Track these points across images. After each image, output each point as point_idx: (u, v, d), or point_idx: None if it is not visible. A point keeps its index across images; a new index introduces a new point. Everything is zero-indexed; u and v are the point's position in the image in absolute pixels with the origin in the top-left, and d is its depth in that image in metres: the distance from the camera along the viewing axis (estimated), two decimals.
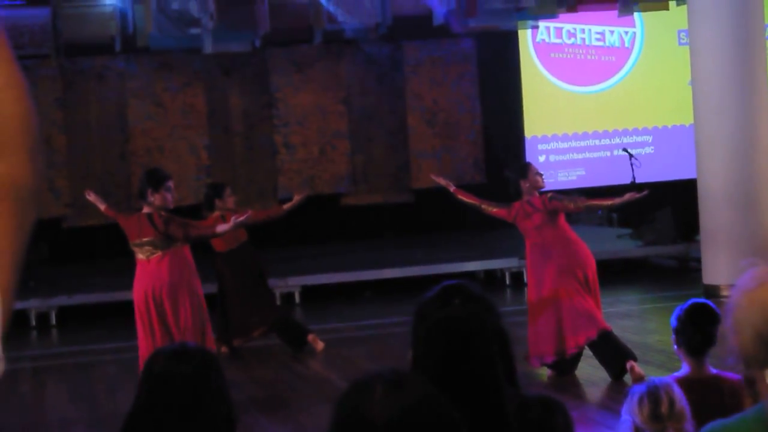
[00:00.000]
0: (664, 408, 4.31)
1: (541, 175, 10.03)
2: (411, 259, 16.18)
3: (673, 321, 5.27)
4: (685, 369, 5.21)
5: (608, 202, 10.39)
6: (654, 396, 4.32)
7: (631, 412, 4.38)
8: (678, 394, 4.35)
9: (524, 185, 9.91)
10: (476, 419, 2.67)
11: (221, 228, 9.47)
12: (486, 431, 2.63)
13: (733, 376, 5.17)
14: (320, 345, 11.74)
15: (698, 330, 5.18)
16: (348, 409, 2.15)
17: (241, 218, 9.44)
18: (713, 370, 5.19)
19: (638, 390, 4.40)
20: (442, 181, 10.62)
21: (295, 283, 15.29)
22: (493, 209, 10.28)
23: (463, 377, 2.76)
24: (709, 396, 4.97)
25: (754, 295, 2.54)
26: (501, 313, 2.90)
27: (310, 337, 11.79)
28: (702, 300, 5.38)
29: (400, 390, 2.14)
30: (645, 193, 10.21)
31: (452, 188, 10.51)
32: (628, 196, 10.08)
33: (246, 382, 10.41)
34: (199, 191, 15.11)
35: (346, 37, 17.29)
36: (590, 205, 10.15)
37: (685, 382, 4.75)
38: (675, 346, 5.25)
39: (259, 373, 10.80)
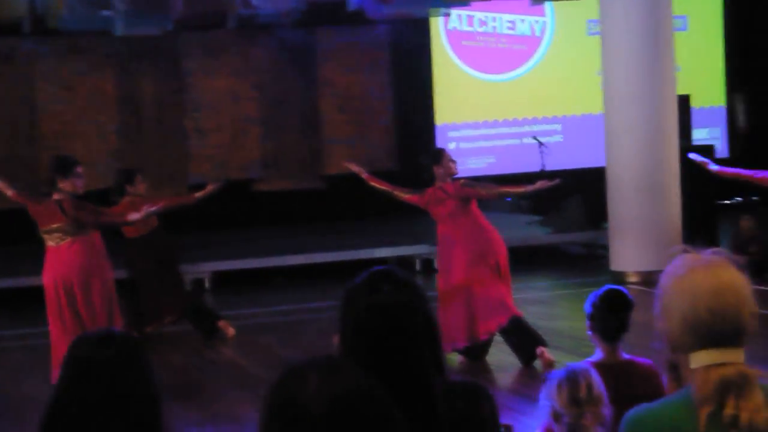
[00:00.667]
0: (582, 393, 4.36)
1: (454, 161, 10.08)
2: (322, 246, 16.16)
3: (587, 307, 5.32)
4: (598, 354, 5.27)
5: (520, 190, 10.47)
6: (572, 381, 4.38)
7: (549, 396, 4.42)
8: (596, 379, 4.41)
9: (438, 171, 9.94)
10: (404, 406, 2.67)
11: (133, 216, 9.39)
12: (414, 418, 2.64)
13: (645, 361, 5.25)
14: (231, 331, 11.69)
15: (612, 316, 5.24)
16: (282, 397, 2.14)
17: (154, 208, 9.37)
18: (626, 356, 5.26)
19: (557, 375, 4.45)
20: (354, 168, 10.62)
21: (205, 269, 15.20)
22: (405, 195, 10.30)
23: (392, 364, 2.76)
24: (621, 381, 5.03)
25: (683, 282, 2.58)
26: (428, 300, 2.90)
27: (222, 323, 11.74)
28: (616, 286, 5.44)
29: (335, 378, 2.13)
30: (557, 181, 10.29)
31: (365, 175, 10.51)
32: (539, 184, 10.16)
33: (158, 368, 10.28)
34: (108, 176, 14.92)
35: (259, 22, 17.18)
36: (502, 192, 10.22)
37: (598, 367, 4.81)
38: (589, 332, 5.31)
39: (172, 360, 10.72)
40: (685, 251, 2.66)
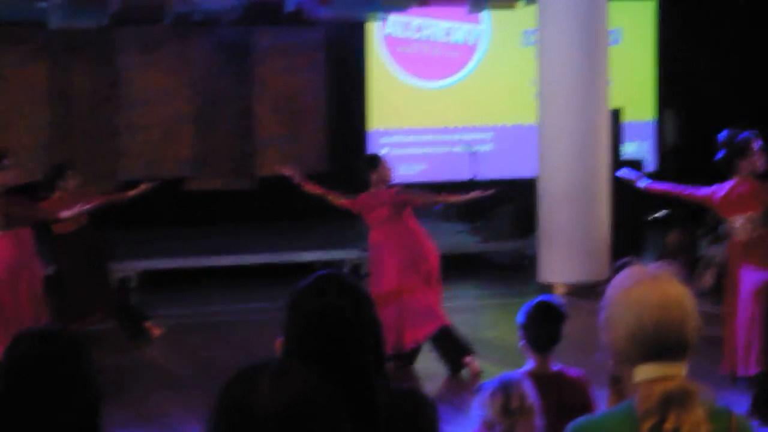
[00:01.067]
0: (515, 403, 4.39)
1: (390, 168, 10.10)
2: (252, 247, 16.11)
3: (520, 317, 5.36)
4: (530, 364, 5.31)
5: (456, 199, 10.48)
6: (505, 391, 4.40)
7: (482, 406, 4.44)
8: (529, 389, 4.44)
9: (373, 177, 9.95)
10: (348, 411, 2.68)
11: (65, 213, 9.29)
12: (358, 422, 2.65)
13: (575, 372, 5.30)
14: (158, 331, 11.61)
15: (545, 327, 5.28)
16: (233, 400, 2.13)
17: (87, 206, 9.28)
18: (557, 366, 5.31)
19: (490, 385, 4.48)
20: (287, 171, 10.59)
21: (133, 268, 15.07)
22: (338, 200, 10.29)
23: (336, 368, 2.76)
24: (552, 391, 5.08)
25: (630, 294, 2.61)
26: (374, 304, 2.91)
27: (148, 324, 11.65)
28: (549, 297, 5.49)
29: (287, 381, 2.13)
30: (491, 191, 10.33)
31: (298, 179, 10.49)
32: (474, 194, 10.20)
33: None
34: (37, 170, 14.73)
35: (196, 19, 17.08)
36: (438, 200, 10.24)
37: (530, 378, 4.84)
38: (521, 342, 5.34)
39: (98, 359, 10.58)
40: (632, 263, 2.70)
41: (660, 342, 2.57)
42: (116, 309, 11.59)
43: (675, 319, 2.58)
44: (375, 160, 10.14)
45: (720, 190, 8.12)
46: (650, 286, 2.61)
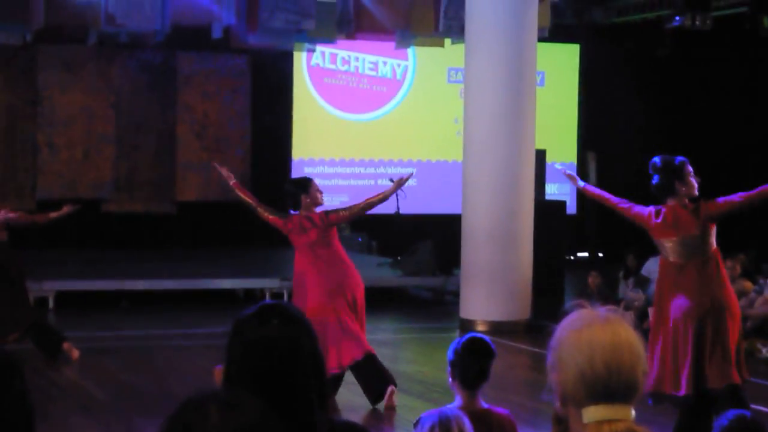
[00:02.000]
0: None
1: (321, 192, 10.02)
2: (170, 272, 15.93)
3: (449, 354, 5.32)
4: (457, 401, 5.27)
5: (380, 196, 10.22)
6: (444, 425, 4.36)
7: None
8: (467, 425, 4.41)
9: (305, 200, 9.83)
10: None
11: None
12: None
13: (502, 411, 5.27)
14: (75, 353, 11.41)
15: (474, 364, 5.24)
16: (180, 429, 2.07)
17: (11, 215, 9.10)
18: (485, 405, 5.27)
19: (429, 418, 4.43)
20: (223, 172, 10.43)
21: (50, 288, 14.83)
22: (268, 215, 10.12)
23: (278, 398, 2.72)
24: (481, 429, 5.04)
25: (580, 336, 2.58)
26: (316, 336, 2.86)
27: (66, 345, 11.45)
28: (479, 335, 5.45)
29: (236, 412, 2.07)
30: (411, 172, 10.26)
31: (232, 182, 10.34)
32: (394, 185, 10.12)
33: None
34: None
35: (121, 40, 16.95)
36: (364, 206, 10.05)
37: None
38: (449, 379, 5.30)
39: None
40: (581, 306, 2.67)
41: (610, 384, 2.55)
42: (34, 329, 11.37)
43: (625, 362, 2.56)
44: (306, 183, 10.04)
45: (655, 212, 8.18)
46: (601, 329, 2.59)
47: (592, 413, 2.55)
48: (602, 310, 2.65)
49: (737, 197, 8.00)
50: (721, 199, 8.02)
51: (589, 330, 2.58)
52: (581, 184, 9.01)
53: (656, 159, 8.27)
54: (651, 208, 8.22)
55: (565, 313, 2.69)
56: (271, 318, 2.83)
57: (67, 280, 15.13)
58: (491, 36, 13.70)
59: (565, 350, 2.59)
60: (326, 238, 9.77)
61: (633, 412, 2.57)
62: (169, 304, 15.10)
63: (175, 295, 15.34)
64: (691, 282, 8.03)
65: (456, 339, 5.35)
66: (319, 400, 2.82)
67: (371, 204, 10.05)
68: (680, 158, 8.23)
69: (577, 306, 2.69)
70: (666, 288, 8.19)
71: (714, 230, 8.07)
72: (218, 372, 2.86)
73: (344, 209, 10.05)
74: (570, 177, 9.20)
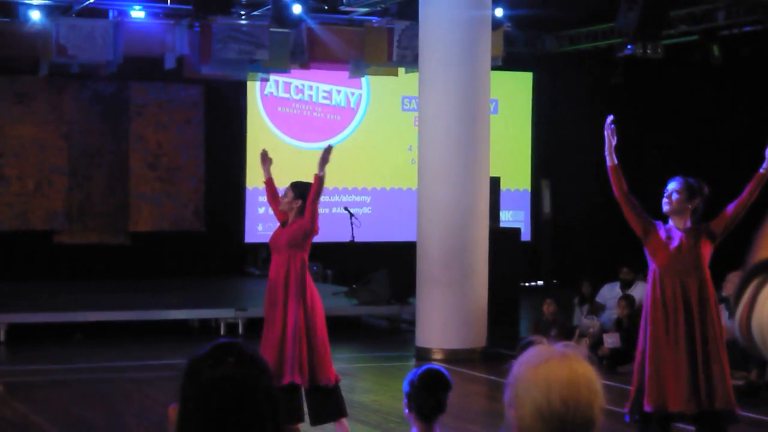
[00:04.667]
0: None
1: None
2: (124, 304, 15.81)
3: (405, 385, 5.30)
4: None
5: (317, 182, 10.05)
6: None
7: None
8: None
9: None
10: None
11: None
12: None
13: None
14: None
15: (430, 396, 5.23)
16: None
17: None
18: None
19: None
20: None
21: (1, 321, 14.66)
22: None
23: None
24: None
25: (537, 372, 2.58)
26: (272, 375, 2.83)
27: None
28: (435, 366, 5.44)
29: None
30: (330, 148, 10.11)
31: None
32: (323, 156, 9.96)
33: None
34: None
35: (72, 71, 16.88)
36: (314, 191, 9.88)
37: None
38: (406, 410, 5.28)
39: None
40: (538, 342, 2.67)
41: (567, 419, 2.54)
42: None
43: (583, 397, 2.56)
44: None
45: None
46: (558, 364, 2.59)
47: None
48: (559, 346, 2.64)
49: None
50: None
51: (546, 366, 2.58)
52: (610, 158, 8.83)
53: (684, 180, 8.40)
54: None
55: (522, 349, 2.68)
56: (226, 356, 2.80)
57: (18, 313, 14.96)
58: (444, 65, 13.75)
59: (521, 386, 2.59)
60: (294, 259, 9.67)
61: None
62: (123, 336, 14.98)
63: (130, 327, 15.23)
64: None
65: (412, 370, 5.33)
66: None
67: (318, 189, 9.86)
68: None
69: (534, 341, 2.69)
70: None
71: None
72: (173, 411, 2.81)
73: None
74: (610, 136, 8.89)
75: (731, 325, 8.13)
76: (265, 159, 10.36)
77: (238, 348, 2.83)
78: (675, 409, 8.00)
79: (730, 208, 8.14)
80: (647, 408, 8.03)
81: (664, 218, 8.27)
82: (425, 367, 5.38)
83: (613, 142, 8.59)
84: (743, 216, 8.00)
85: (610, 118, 8.51)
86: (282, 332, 9.40)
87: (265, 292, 9.58)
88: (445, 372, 5.34)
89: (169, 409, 2.85)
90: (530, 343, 2.70)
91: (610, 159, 8.49)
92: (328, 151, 9.93)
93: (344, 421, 9.39)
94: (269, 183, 10.33)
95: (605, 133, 8.61)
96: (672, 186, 8.36)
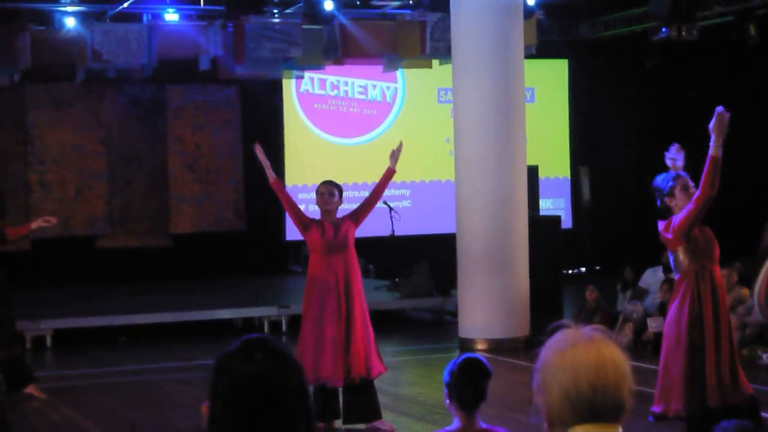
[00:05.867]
0: None
1: (320, 194, 9.99)
2: (167, 305, 15.89)
3: (445, 375, 5.28)
4: (456, 423, 5.23)
5: (376, 192, 10.26)
6: None
7: None
8: None
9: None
10: None
11: None
12: None
13: (502, 430, 5.24)
14: (41, 395, 11.34)
15: (471, 385, 5.21)
16: None
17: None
18: (483, 425, 5.24)
19: None
20: (262, 158, 10.44)
21: (47, 326, 14.77)
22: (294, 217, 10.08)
23: None
24: None
25: (565, 356, 2.57)
26: (302, 369, 2.83)
27: (31, 388, 11.34)
28: (474, 355, 5.42)
29: None
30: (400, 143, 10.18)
31: (272, 179, 10.41)
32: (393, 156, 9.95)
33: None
34: None
35: (109, 76, 16.97)
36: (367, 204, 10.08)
37: None
38: (447, 400, 5.27)
39: (14, 420, 10.33)
40: (565, 326, 2.66)
41: (596, 403, 2.53)
42: (11, 357, 11.24)
43: (611, 381, 2.54)
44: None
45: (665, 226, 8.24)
46: (586, 348, 2.57)
47: None
48: (587, 330, 2.63)
49: (690, 204, 8.03)
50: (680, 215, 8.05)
51: (573, 350, 2.56)
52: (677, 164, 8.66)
53: (655, 181, 8.33)
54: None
55: (550, 333, 2.68)
56: (255, 352, 2.79)
57: (64, 318, 15.07)
58: (477, 56, 13.73)
59: (549, 371, 2.58)
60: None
61: (620, 431, 2.56)
62: (167, 338, 15.06)
63: (174, 328, 15.30)
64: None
65: (452, 360, 5.31)
66: None
67: (372, 201, 10.05)
68: (672, 174, 8.28)
69: (562, 326, 2.68)
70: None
71: (687, 246, 8.09)
72: (205, 408, 2.82)
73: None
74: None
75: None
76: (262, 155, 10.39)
77: (266, 343, 2.83)
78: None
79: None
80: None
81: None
82: (464, 356, 5.36)
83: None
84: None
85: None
86: (346, 332, 9.45)
87: (314, 292, 9.56)
88: (485, 361, 5.32)
89: (202, 406, 2.86)
90: (558, 328, 2.69)
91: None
92: (399, 149, 10.03)
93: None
94: (279, 184, 10.34)
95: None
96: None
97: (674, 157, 8.49)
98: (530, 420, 2.76)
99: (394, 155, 10.06)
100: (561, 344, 2.59)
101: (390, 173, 10.06)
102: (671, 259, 8.30)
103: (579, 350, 2.56)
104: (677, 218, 8.09)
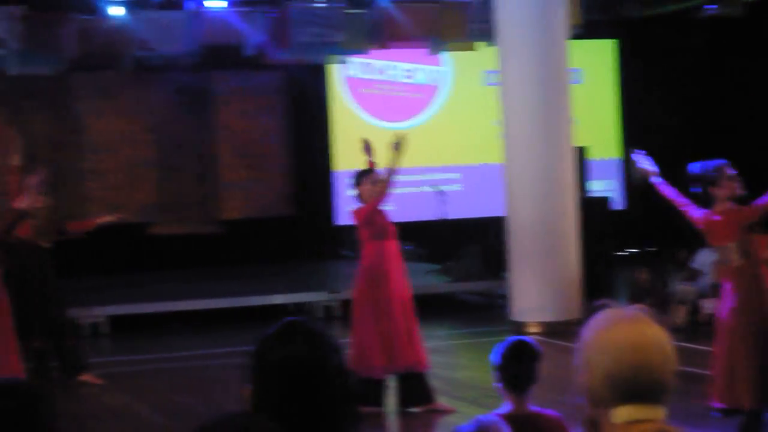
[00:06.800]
0: None
1: (373, 183, 9.68)
2: (220, 291, 15.98)
3: (495, 358, 5.24)
4: (506, 406, 5.20)
5: (392, 166, 9.81)
6: None
7: None
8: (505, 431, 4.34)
9: (363, 192, 9.72)
10: None
11: (20, 201, 8.95)
12: None
13: (553, 413, 5.20)
14: (97, 381, 11.44)
15: (520, 367, 5.17)
16: None
17: (36, 182, 9.12)
18: (534, 408, 5.20)
19: (466, 429, 4.37)
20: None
21: (102, 313, 14.92)
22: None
23: (304, 417, 2.67)
24: None
25: (607, 336, 2.54)
26: (342, 351, 2.81)
27: (85, 377, 11.44)
28: (524, 337, 5.38)
29: None
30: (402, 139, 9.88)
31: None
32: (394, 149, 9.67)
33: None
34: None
35: (154, 64, 17.03)
36: (388, 175, 9.71)
37: (507, 419, 4.73)
38: (497, 383, 5.23)
39: (65, 406, 10.42)
40: (607, 306, 2.62)
41: (637, 384, 2.50)
42: (61, 346, 11.33)
43: (653, 362, 2.51)
44: (362, 175, 9.82)
45: (707, 216, 8.08)
46: (627, 328, 2.54)
47: (620, 414, 2.51)
48: (629, 309, 2.60)
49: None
50: (755, 203, 7.94)
51: (615, 330, 2.53)
52: (656, 180, 8.59)
53: (692, 167, 8.17)
54: (706, 212, 8.09)
55: (592, 313, 2.65)
56: (295, 335, 2.78)
57: (119, 305, 15.22)
58: (521, 37, 13.67)
59: (591, 351, 2.55)
60: (378, 236, 9.56)
61: (663, 412, 2.52)
62: (219, 323, 15.12)
63: (225, 314, 15.36)
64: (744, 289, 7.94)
65: (501, 342, 5.28)
66: (348, 419, 2.77)
67: (385, 184, 9.70)
68: (716, 163, 8.13)
69: (605, 305, 2.65)
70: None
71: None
72: (246, 391, 2.82)
73: (372, 191, 9.73)
74: (644, 171, 8.66)
75: None
76: (369, 149, 10.16)
77: (306, 326, 2.81)
78: None
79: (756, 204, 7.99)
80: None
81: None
82: (513, 338, 5.32)
83: (654, 180, 8.25)
84: None
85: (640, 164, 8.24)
86: (404, 318, 9.45)
87: (373, 278, 9.48)
88: (534, 342, 5.28)
89: (243, 389, 2.85)
90: (601, 307, 2.66)
91: None
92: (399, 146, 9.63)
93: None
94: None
95: None
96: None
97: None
98: (572, 400, 2.73)
99: (395, 147, 9.64)
100: (603, 324, 2.56)
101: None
102: (715, 251, 8.14)
103: (621, 330, 2.53)
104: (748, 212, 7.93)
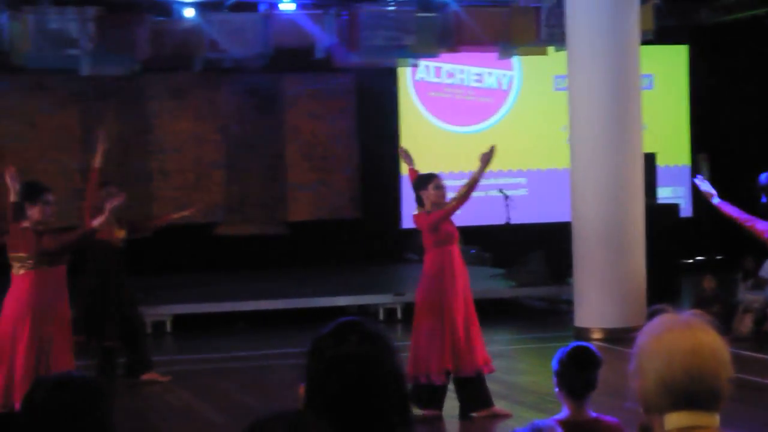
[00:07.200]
0: None
1: (440, 188, 9.59)
2: (285, 292, 16.04)
3: (554, 363, 5.23)
4: (565, 412, 5.18)
5: (475, 177, 9.74)
6: None
7: None
8: None
9: (425, 197, 9.64)
10: None
11: (96, 221, 9.05)
12: None
13: (612, 419, 5.17)
14: (163, 379, 11.55)
15: (580, 373, 5.15)
16: None
17: (116, 202, 9.23)
18: (593, 414, 5.17)
19: None
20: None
21: (167, 312, 15.04)
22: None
23: (357, 417, 2.68)
24: None
25: (661, 342, 2.52)
26: (397, 352, 2.81)
27: (147, 376, 11.55)
28: (584, 343, 5.36)
29: None
30: (492, 150, 9.83)
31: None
32: (482, 163, 9.72)
33: (114, 413, 10.11)
34: (71, 215, 14.74)
35: (225, 65, 17.16)
36: (463, 194, 9.65)
37: (565, 425, 4.72)
38: (556, 389, 5.21)
39: (129, 403, 10.53)
40: (663, 311, 2.60)
41: (691, 390, 2.48)
42: (131, 345, 11.46)
43: (707, 368, 2.48)
44: (425, 180, 9.78)
45: None
46: (681, 333, 2.52)
47: (673, 420, 2.49)
48: (685, 315, 2.58)
49: None
50: None
51: (669, 335, 2.51)
52: (716, 201, 8.56)
53: (762, 176, 8.10)
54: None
55: (648, 318, 2.63)
56: (349, 335, 2.79)
57: (183, 304, 15.33)
58: (592, 42, 13.59)
59: (645, 356, 2.54)
60: (442, 243, 9.52)
61: (717, 419, 2.50)
62: (284, 324, 15.18)
63: (290, 315, 15.42)
64: None
65: (561, 348, 5.26)
66: (401, 419, 2.77)
67: (470, 188, 9.68)
68: None
69: (660, 311, 2.63)
70: None
71: None
72: (301, 389, 2.84)
73: (446, 203, 9.69)
74: (706, 194, 8.70)
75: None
76: (407, 156, 10.16)
77: (360, 326, 2.82)
78: None
79: None
80: None
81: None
82: (574, 344, 5.30)
83: (714, 201, 8.19)
84: None
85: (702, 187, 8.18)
86: (465, 324, 9.44)
87: (435, 285, 9.48)
88: (594, 349, 5.25)
89: (299, 388, 2.87)
90: (657, 312, 2.64)
91: None
92: (487, 158, 9.62)
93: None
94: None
95: None
96: None
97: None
98: (626, 405, 2.72)
99: (484, 158, 9.63)
100: (657, 329, 2.54)
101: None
102: None
103: (675, 336, 2.51)
104: None
